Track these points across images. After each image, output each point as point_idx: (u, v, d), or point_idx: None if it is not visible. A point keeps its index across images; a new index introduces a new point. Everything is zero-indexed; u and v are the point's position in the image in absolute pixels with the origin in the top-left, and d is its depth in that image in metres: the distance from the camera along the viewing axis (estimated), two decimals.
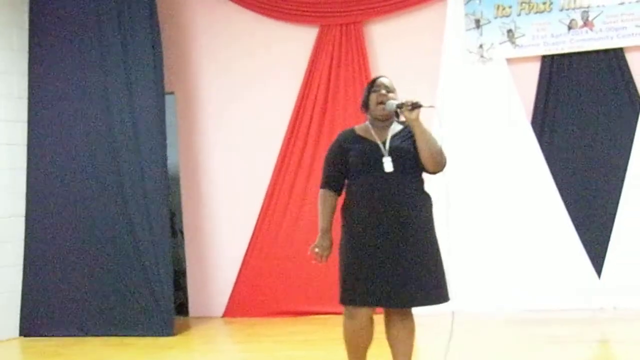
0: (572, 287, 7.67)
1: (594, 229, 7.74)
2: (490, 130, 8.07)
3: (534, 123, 8.00)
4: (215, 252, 8.79)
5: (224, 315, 8.63)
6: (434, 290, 4.35)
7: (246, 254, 8.50)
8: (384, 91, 4.51)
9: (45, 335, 8.06)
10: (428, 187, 4.54)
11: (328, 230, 4.49)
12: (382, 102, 4.47)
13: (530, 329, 7.07)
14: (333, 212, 4.52)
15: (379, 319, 4.44)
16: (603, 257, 7.67)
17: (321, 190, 4.56)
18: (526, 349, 6.33)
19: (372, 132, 4.46)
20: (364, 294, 4.30)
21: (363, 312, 4.34)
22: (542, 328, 7.04)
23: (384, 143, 4.39)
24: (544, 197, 7.85)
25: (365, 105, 4.58)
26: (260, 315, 8.32)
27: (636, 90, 7.81)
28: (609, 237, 7.67)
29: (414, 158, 4.37)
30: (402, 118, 4.47)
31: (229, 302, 8.60)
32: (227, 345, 7.91)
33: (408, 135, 4.43)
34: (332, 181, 4.53)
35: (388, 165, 4.31)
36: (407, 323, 4.49)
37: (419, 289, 4.30)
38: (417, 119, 4.29)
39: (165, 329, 7.73)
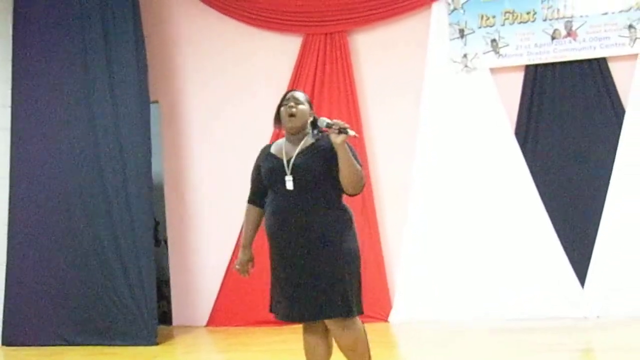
0: (555, 295, 7.69)
1: (578, 238, 7.76)
2: (474, 140, 8.10)
3: (517, 132, 8.03)
4: (199, 262, 8.77)
5: (208, 324, 8.61)
6: (331, 304, 4.30)
7: (230, 264, 8.47)
8: (292, 103, 4.51)
9: (28, 345, 8.00)
10: (345, 201, 4.52)
11: (247, 245, 4.72)
12: (292, 115, 4.48)
13: (514, 337, 7.07)
14: (256, 227, 4.71)
15: None
16: (586, 266, 7.70)
17: (246, 205, 4.75)
18: (510, 357, 6.33)
19: (284, 147, 4.52)
20: (277, 308, 4.52)
21: (318, 325, 4.48)
22: (526, 336, 7.04)
23: (289, 161, 4.42)
24: (527, 206, 7.88)
25: (277, 120, 4.61)
26: (243, 324, 8.31)
27: (619, 99, 7.86)
28: (592, 245, 7.70)
29: (319, 175, 4.36)
30: (323, 134, 4.46)
31: (212, 311, 8.59)
32: (210, 354, 7.88)
33: (316, 151, 4.42)
34: (254, 196, 4.71)
35: (289, 183, 4.36)
36: (348, 332, 4.41)
37: (315, 304, 4.32)
38: (342, 143, 4.24)
39: (149, 338, 7.70)
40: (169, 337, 8.14)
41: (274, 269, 4.50)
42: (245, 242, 4.72)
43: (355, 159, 4.37)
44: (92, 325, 7.92)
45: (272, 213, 4.44)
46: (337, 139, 4.23)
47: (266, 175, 4.49)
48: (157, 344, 7.69)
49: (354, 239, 4.47)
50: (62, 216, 8.11)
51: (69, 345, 7.91)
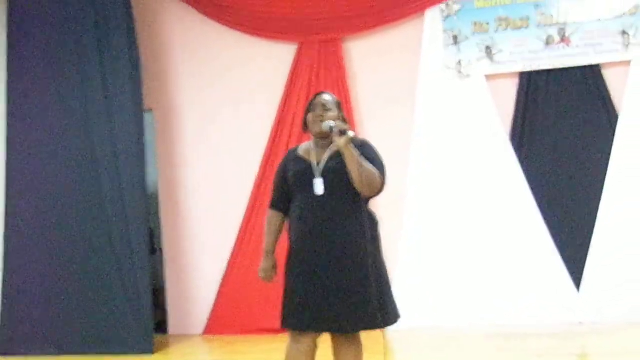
0: (551, 301, 7.70)
1: (573, 243, 7.78)
2: (469, 146, 8.11)
3: (512, 139, 8.05)
4: (195, 270, 8.76)
5: (204, 333, 8.59)
6: (366, 315, 4.20)
7: (226, 272, 8.47)
8: (319, 110, 4.43)
9: (24, 354, 7.97)
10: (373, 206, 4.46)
11: (270, 252, 4.51)
12: (321, 122, 4.38)
13: (510, 343, 7.08)
14: (278, 234, 4.53)
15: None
16: (582, 271, 7.72)
17: (268, 211, 4.57)
18: None
19: (312, 151, 4.42)
20: (299, 319, 4.28)
21: (308, 336, 4.32)
22: (522, 342, 7.06)
23: (318, 164, 4.33)
24: (522, 211, 7.89)
25: (305, 124, 4.54)
26: (239, 332, 8.29)
27: (613, 105, 7.89)
28: (587, 251, 7.72)
29: (349, 179, 4.22)
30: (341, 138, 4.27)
31: (208, 320, 8.57)
32: None
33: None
34: (278, 202, 4.53)
35: (319, 187, 4.26)
36: (354, 345, 4.39)
37: (350, 314, 4.19)
38: (345, 145, 4.12)
39: (145, 347, 7.68)
40: (165, 345, 8.12)
41: (296, 275, 4.31)
42: (268, 248, 4.51)
43: (373, 159, 4.28)
44: (88, 334, 7.90)
45: (300, 218, 4.30)
46: (339, 142, 4.14)
47: (294, 178, 4.37)
48: (153, 352, 7.67)
49: (380, 245, 4.41)
50: (57, 225, 8.10)
51: (65, 354, 7.88)
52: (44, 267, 8.08)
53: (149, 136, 8.51)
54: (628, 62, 7.87)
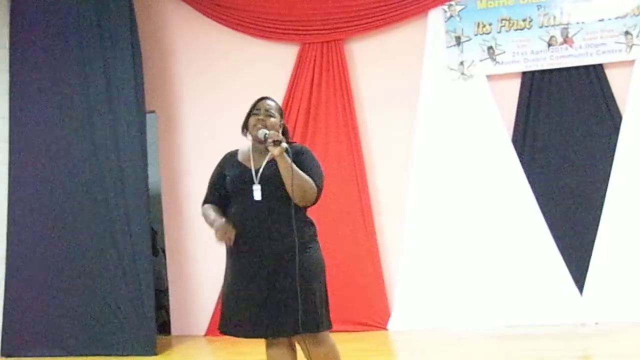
0: (554, 302, 7.69)
1: (576, 245, 7.76)
2: (471, 147, 8.10)
3: (514, 139, 8.04)
4: (197, 271, 8.76)
5: (206, 334, 8.59)
6: (296, 319, 4.16)
7: None
8: (262, 116, 4.42)
9: (27, 356, 7.98)
10: (310, 213, 4.42)
11: (219, 217, 4.38)
12: (263, 127, 4.37)
13: (513, 344, 7.07)
14: (220, 212, 4.44)
15: None
16: (585, 273, 7.70)
17: (203, 207, 4.56)
18: None
19: (251, 156, 4.41)
20: (232, 325, 4.29)
21: (282, 340, 4.34)
22: (525, 343, 7.05)
23: (257, 170, 4.32)
24: (525, 213, 7.88)
25: (245, 127, 4.54)
26: None
27: (616, 106, 7.87)
28: (590, 252, 7.70)
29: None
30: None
31: (211, 321, 8.56)
32: None
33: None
34: (213, 202, 4.56)
35: (257, 193, 4.24)
36: (321, 347, 4.34)
37: (279, 319, 4.18)
38: (280, 155, 4.12)
39: (148, 348, 7.69)
40: (167, 347, 8.13)
41: (232, 284, 4.32)
42: (216, 217, 4.38)
43: (310, 168, 4.29)
44: (91, 336, 7.91)
45: (237, 225, 4.25)
46: (273, 152, 4.14)
47: (232, 183, 4.37)
48: (155, 354, 7.68)
49: (319, 251, 4.36)
50: (60, 226, 8.11)
51: (69, 355, 7.89)
52: (47, 268, 8.09)
53: (151, 137, 8.52)
54: (631, 63, 7.85)
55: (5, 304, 8.19)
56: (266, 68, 8.63)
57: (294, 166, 4.17)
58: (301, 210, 4.31)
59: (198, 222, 8.67)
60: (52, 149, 8.22)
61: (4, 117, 8.36)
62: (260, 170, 4.30)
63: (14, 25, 8.45)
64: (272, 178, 4.24)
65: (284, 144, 4.15)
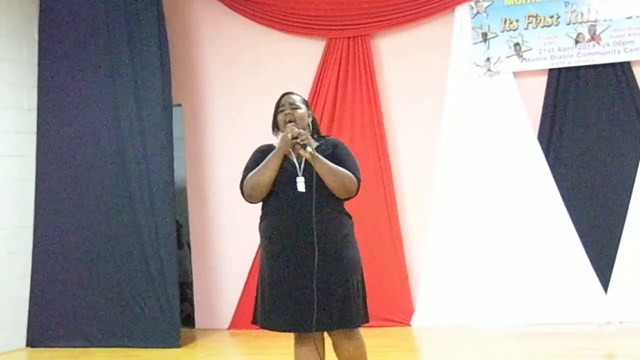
0: (578, 300, 7.65)
1: (601, 243, 7.72)
2: (497, 144, 8.07)
3: (540, 137, 8.00)
4: (222, 264, 8.80)
5: (230, 327, 8.63)
6: (339, 314, 4.21)
7: (252, 267, 8.48)
8: (289, 110, 4.44)
9: (52, 346, 8.07)
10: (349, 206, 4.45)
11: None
12: (290, 121, 4.38)
13: (537, 342, 7.06)
14: None
15: None
16: (610, 271, 7.65)
17: (245, 180, 4.40)
18: None
19: (290, 149, 4.33)
20: (273, 319, 4.28)
21: (311, 336, 4.31)
22: (549, 341, 7.04)
23: (299, 162, 4.31)
24: (550, 210, 7.85)
25: (275, 127, 4.55)
26: None
27: None
28: (615, 250, 7.66)
29: None
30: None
31: (235, 314, 8.60)
32: (232, 357, 7.92)
33: (325, 153, 4.33)
34: None
35: (301, 185, 4.23)
36: (352, 342, 4.37)
37: (324, 314, 4.17)
38: (311, 158, 4.18)
39: (171, 341, 7.74)
40: (191, 339, 8.18)
41: (274, 277, 4.27)
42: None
43: (346, 161, 4.33)
44: (116, 327, 7.97)
45: (277, 215, 4.28)
46: (305, 155, 4.19)
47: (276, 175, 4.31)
48: (179, 346, 7.73)
49: (356, 245, 4.39)
50: (86, 219, 8.17)
51: (93, 346, 7.96)
52: (72, 260, 8.17)
53: (177, 131, 8.56)
54: None
55: (31, 295, 8.27)
56: (292, 63, 8.64)
57: (329, 164, 4.23)
58: (341, 202, 4.35)
59: (223, 216, 8.81)
60: (78, 142, 8.28)
61: (31, 109, 8.43)
62: (303, 162, 4.30)
63: (43, 18, 8.51)
64: (312, 170, 4.24)
65: (309, 148, 4.19)
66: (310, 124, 4.51)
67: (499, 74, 8.12)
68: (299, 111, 4.44)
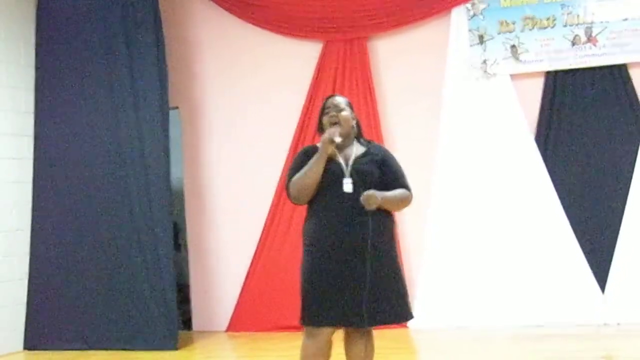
0: (576, 302, 7.66)
1: (598, 245, 7.74)
2: (494, 146, 8.09)
3: (537, 139, 8.02)
4: (219, 267, 8.79)
5: (228, 329, 8.62)
6: (392, 309, 4.33)
7: (250, 269, 8.51)
8: (334, 112, 4.48)
9: (50, 349, 8.06)
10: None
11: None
12: (335, 123, 4.43)
13: (535, 344, 7.06)
14: None
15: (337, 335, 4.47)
16: (607, 273, 7.68)
17: (292, 181, 4.44)
18: None
19: (335, 151, 4.41)
20: (324, 315, 4.30)
21: (325, 332, 4.34)
22: (547, 343, 7.04)
23: (346, 163, 4.38)
24: (547, 212, 7.86)
25: (320, 129, 4.58)
26: (264, 329, 8.29)
27: (639, 106, 7.84)
28: (612, 252, 7.68)
29: (376, 181, 4.37)
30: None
31: (232, 317, 8.60)
32: (230, 359, 7.92)
33: (372, 158, 4.44)
34: None
35: (348, 186, 4.30)
36: (367, 341, 4.45)
37: (376, 309, 4.26)
38: (377, 204, 4.22)
39: (169, 343, 7.73)
40: (189, 342, 8.17)
41: (320, 272, 4.30)
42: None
43: (398, 172, 4.54)
44: (113, 330, 7.96)
45: (325, 216, 4.34)
46: (370, 207, 4.21)
47: (322, 176, 4.35)
48: (177, 349, 7.72)
49: (398, 245, 4.54)
50: (84, 221, 8.16)
51: (90, 349, 7.95)
52: (70, 263, 8.16)
53: (174, 134, 8.56)
54: None
55: (28, 298, 8.26)
56: (290, 65, 8.64)
57: (393, 198, 4.38)
58: None
59: (220, 218, 8.80)
60: (76, 144, 8.27)
61: (29, 112, 8.42)
62: (350, 163, 4.38)
63: (40, 22, 8.51)
64: (363, 172, 4.34)
65: (337, 138, 4.31)
66: (354, 126, 4.55)
67: (495, 76, 8.15)
68: (344, 113, 4.48)
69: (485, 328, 7.74)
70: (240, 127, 8.73)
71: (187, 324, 8.98)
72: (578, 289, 7.69)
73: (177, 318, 8.03)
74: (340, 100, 4.57)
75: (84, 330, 8.06)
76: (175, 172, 8.34)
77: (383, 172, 4.42)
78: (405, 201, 4.47)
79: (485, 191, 8.04)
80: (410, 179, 7.88)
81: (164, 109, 8.10)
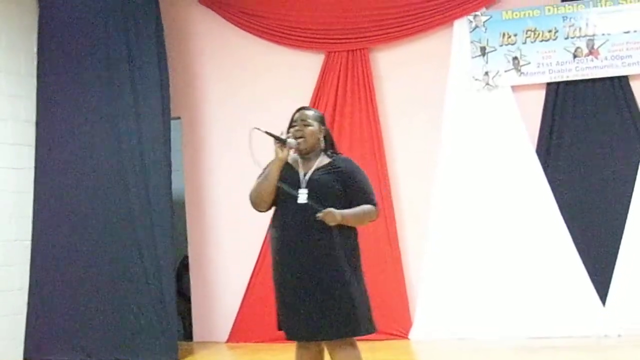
0: (576, 313, 7.65)
1: (599, 256, 7.73)
2: (495, 158, 8.09)
3: (539, 150, 8.02)
4: (220, 277, 8.79)
5: (228, 340, 8.60)
6: (334, 324, 4.25)
7: (251, 279, 8.49)
8: (299, 127, 4.49)
9: (49, 359, 8.03)
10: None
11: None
12: (301, 137, 4.44)
13: (535, 356, 7.06)
14: None
15: None
16: (608, 284, 7.66)
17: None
18: None
19: (300, 162, 4.46)
20: (284, 327, 4.38)
21: (313, 343, 4.38)
22: (547, 355, 7.03)
23: (305, 174, 4.38)
24: (548, 224, 7.85)
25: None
26: (264, 340, 8.26)
27: None
28: (613, 264, 7.67)
29: (333, 193, 4.34)
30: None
31: (233, 327, 8.58)
32: None
33: (332, 170, 4.40)
34: None
35: (302, 196, 4.29)
36: (349, 352, 4.38)
37: (319, 324, 4.24)
38: (335, 220, 4.22)
39: (170, 354, 7.71)
40: (189, 353, 8.16)
41: (275, 283, 4.40)
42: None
43: (364, 188, 4.43)
44: (113, 341, 7.94)
45: (280, 226, 4.37)
46: (330, 221, 4.20)
47: (281, 183, 4.39)
48: (177, 359, 7.71)
49: (360, 259, 4.44)
50: (85, 232, 8.16)
51: (90, 359, 7.93)
52: (71, 273, 8.14)
53: (176, 144, 8.56)
54: None
55: (29, 308, 8.24)
56: (291, 76, 8.65)
57: (353, 215, 4.31)
58: None
59: (221, 229, 8.78)
60: (77, 154, 8.27)
61: (29, 121, 8.42)
62: (308, 174, 4.38)
63: (42, 31, 8.52)
64: (319, 183, 4.33)
65: (290, 141, 4.37)
66: (323, 139, 4.53)
67: (497, 88, 8.15)
68: (309, 128, 4.47)
69: (486, 339, 7.72)
70: (241, 137, 8.62)
71: (187, 334, 8.96)
72: (578, 301, 7.68)
73: (178, 329, 8.00)
74: (308, 113, 4.56)
75: (84, 340, 8.03)
76: (176, 182, 8.32)
77: (347, 185, 4.38)
78: (367, 216, 4.40)
79: (486, 202, 8.04)
80: (410, 190, 7.92)
81: (165, 119, 8.11)
